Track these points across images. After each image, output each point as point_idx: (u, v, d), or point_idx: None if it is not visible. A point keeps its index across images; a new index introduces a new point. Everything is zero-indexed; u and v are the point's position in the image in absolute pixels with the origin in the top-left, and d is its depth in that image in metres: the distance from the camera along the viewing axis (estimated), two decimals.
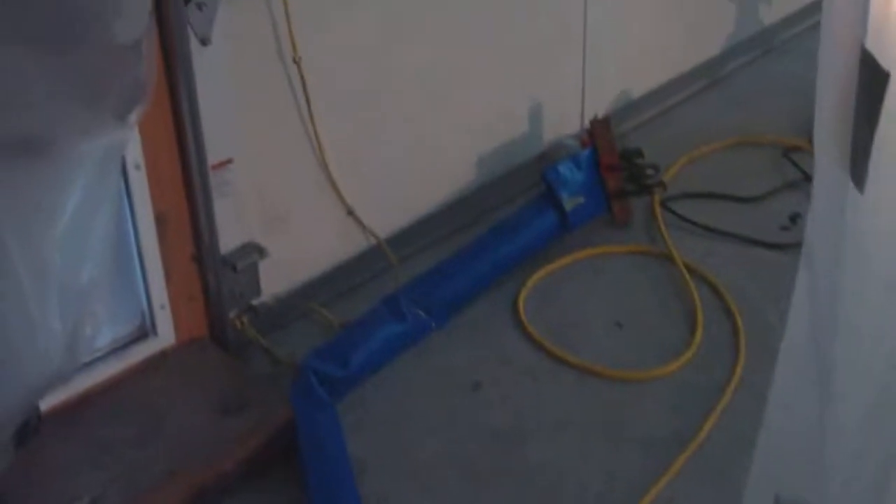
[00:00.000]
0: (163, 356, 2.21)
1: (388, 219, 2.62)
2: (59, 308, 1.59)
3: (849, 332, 1.13)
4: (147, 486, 1.92)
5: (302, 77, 2.24)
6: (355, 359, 2.27)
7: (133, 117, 1.67)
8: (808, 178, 2.95)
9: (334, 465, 2.05)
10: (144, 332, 2.17)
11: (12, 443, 1.73)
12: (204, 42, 2.04)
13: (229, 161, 2.20)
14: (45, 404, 1.90)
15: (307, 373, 2.19)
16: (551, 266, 2.68)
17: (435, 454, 2.13)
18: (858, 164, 1.03)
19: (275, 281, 2.41)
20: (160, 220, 2.09)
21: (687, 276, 2.60)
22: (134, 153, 1.98)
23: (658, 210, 2.86)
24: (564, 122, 3.05)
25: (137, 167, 2.00)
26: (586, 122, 2.88)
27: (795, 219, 2.81)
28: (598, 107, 3.04)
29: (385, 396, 2.28)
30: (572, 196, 2.69)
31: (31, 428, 1.75)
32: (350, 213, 2.51)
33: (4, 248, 1.52)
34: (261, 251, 2.30)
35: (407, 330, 2.38)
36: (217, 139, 2.13)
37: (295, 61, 2.22)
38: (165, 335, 2.19)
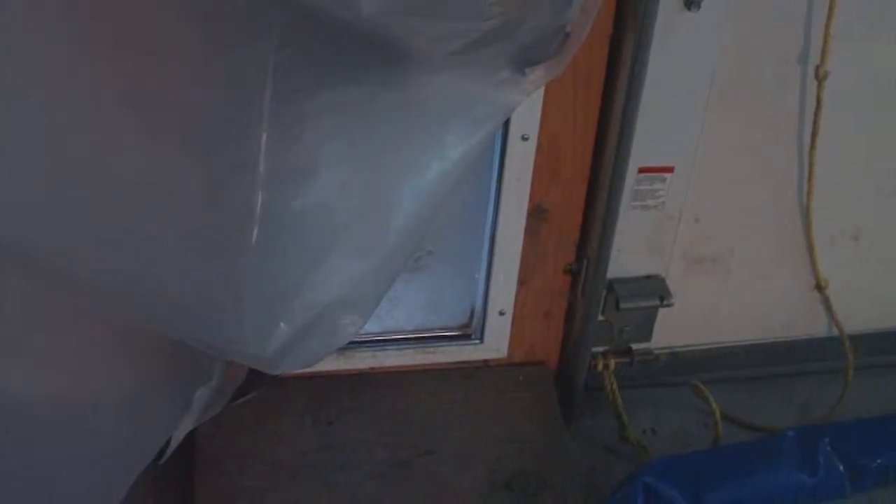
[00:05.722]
0: (484, 368, 1.67)
1: (868, 311, 1.84)
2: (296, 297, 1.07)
3: None
4: None
5: (818, 98, 1.49)
6: (715, 496, 1.58)
7: (533, 78, 1.11)
8: None
9: None
10: (466, 332, 1.64)
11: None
12: (689, 4, 1.36)
13: (668, 169, 1.54)
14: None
15: (636, 488, 1.55)
16: None
17: None
18: None
19: (676, 331, 1.76)
20: (535, 213, 1.50)
21: None
22: (524, 121, 1.39)
23: None
24: None
25: (524, 139, 1.41)
26: None
27: None
28: None
29: None
30: None
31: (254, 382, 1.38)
32: (819, 288, 1.76)
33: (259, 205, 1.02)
34: (664, 297, 1.65)
35: (810, 485, 1.62)
36: (659, 135, 1.49)
37: (817, 77, 1.47)
38: (494, 345, 1.64)
